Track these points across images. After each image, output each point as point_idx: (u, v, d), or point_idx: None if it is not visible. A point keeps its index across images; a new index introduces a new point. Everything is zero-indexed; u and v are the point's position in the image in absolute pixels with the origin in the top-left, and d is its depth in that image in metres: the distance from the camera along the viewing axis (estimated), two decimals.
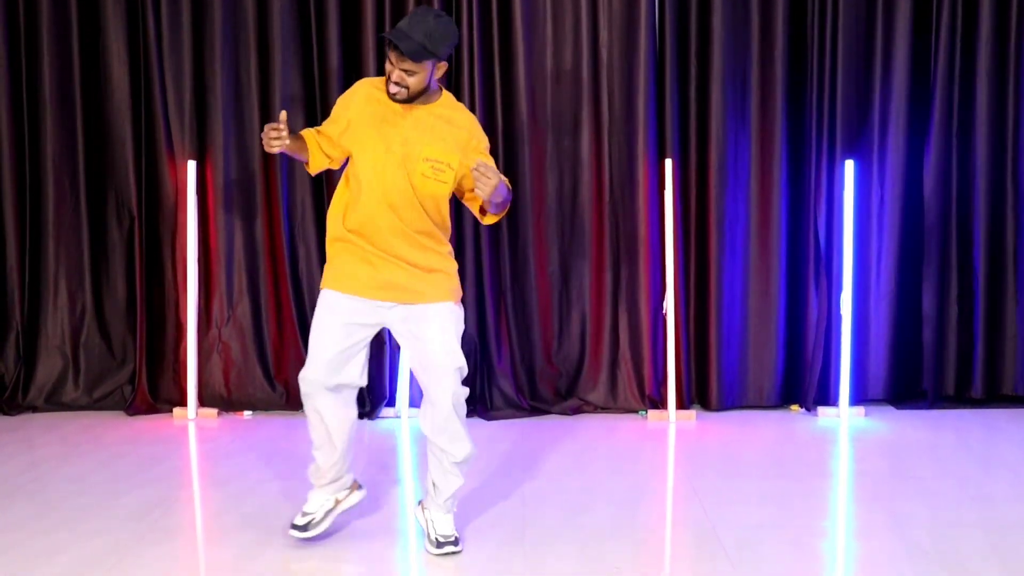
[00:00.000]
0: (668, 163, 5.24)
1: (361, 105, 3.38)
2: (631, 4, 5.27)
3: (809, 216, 5.36)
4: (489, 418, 5.30)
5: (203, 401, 5.45)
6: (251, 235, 5.46)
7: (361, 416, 5.31)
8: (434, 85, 3.35)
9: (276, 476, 4.34)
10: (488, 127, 5.28)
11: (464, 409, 3.40)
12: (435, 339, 3.34)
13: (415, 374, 3.47)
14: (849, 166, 5.25)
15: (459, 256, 5.23)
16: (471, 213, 5.20)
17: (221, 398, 5.49)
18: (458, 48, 5.26)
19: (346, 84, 5.25)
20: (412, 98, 3.29)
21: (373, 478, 4.27)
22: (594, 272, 5.44)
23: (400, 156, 3.31)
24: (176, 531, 3.72)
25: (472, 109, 5.25)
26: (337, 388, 3.39)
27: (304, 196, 5.42)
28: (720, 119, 5.29)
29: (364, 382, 3.46)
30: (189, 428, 5.21)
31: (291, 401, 5.49)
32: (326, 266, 3.49)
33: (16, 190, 5.43)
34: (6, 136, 5.39)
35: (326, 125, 3.43)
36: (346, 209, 3.39)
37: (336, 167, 3.48)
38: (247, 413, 5.45)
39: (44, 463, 4.53)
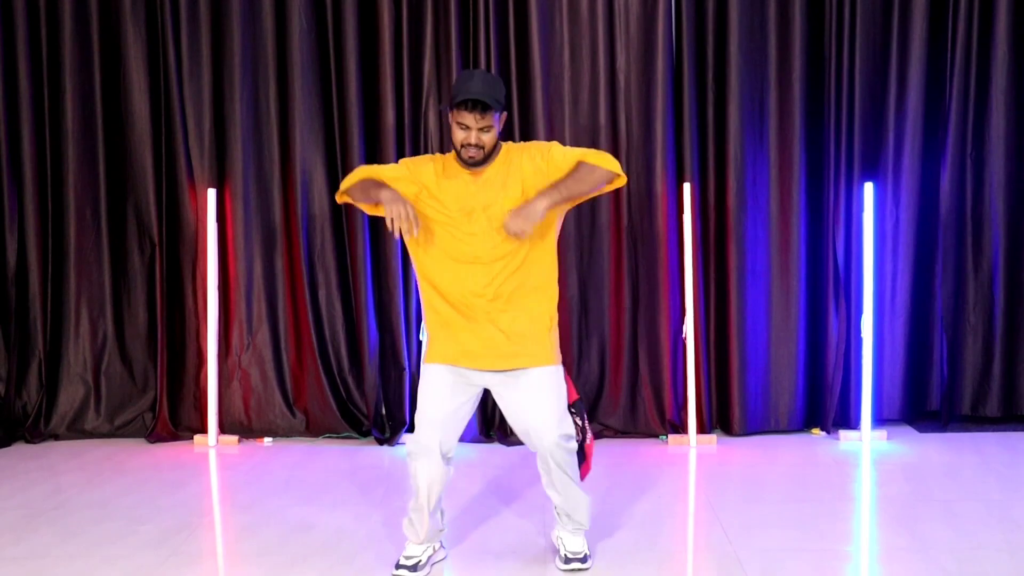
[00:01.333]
0: (687, 187, 5.24)
1: (433, 176, 3.39)
2: (648, 28, 5.30)
3: (828, 238, 5.36)
4: (508, 443, 5.29)
5: (223, 428, 5.46)
6: (270, 263, 5.49)
7: (380, 443, 5.34)
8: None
9: (297, 502, 4.34)
10: None
11: (572, 467, 3.42)
12: (533, 405, 3.36)
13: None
14: (868, 188, 5.24)
15: None
16: None
17: (241, 425, 5.51)
18: None
19: (366, 111, 5.34)
20: (488, 156, 3.33)
21: (391, 505, 4.27)
22: (613, 296, 5.43)
23: (486, 220, 3.33)
24: (198, 557, 3.72)
25: None
26: (441, 451, 3.38)
27: (324, 223, 5.44)
28: (738, 142, 5.30)
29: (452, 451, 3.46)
30: (210, 455, 5.22)
31: (311, 428, 5.51)
32: (428, 340, 3.48)
33: (39, 219, 5.49)
34: (29, 165, 5.45)
35: (392, 181, 3.36)
36: (434, 282, 3.40)
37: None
38: (267, 440, 5.46)
39: (67, 490, 4.55)
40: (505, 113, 3.41)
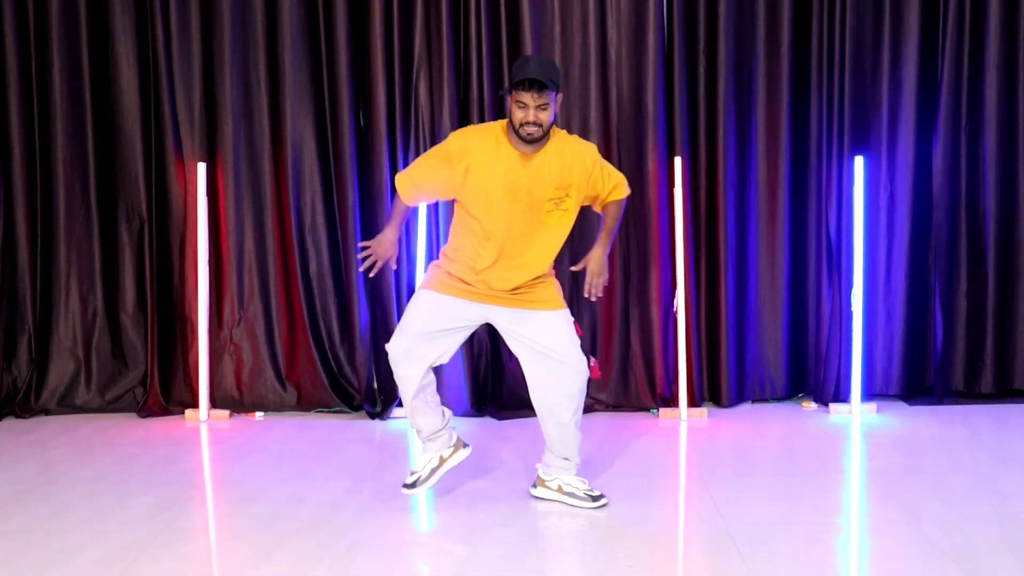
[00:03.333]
0: (678, 161, 5.24)
1: (481, 156, 3.66)
2: (639, 3, 5.27)
3: (818, 212, 5.38)
4: (500, 417, 5.30)
5: (215, 403, 5.46)
6: (261, 237, 5.47)
7: (372, 416, 5.34)
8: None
9: (288, 477, 4.35)
10: None
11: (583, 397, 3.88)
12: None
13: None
14: (859, 162, 5.23)
15: None
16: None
17: (233, 399, 5.50)
18: (466, 48, 5.27)
19: (356, 85, 5.31)
20: (545, 134, 3.62)
21: (383, 479, 4.27)
22: None
23: (527, 204, 3.67)
24: (190, 532, 3.72)
25: (481, 109, 5.26)
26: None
27: (314, 198, 5.42)
28: (730, 117, 5.28)
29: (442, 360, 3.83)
30: (201, 430, 5.22)
31: (302, 402, 5.51)
32: (439, 271, 3.81)
33: (27, 194, 5.45)
34: (17, 140, 5.41)
35: (431, 167, 3.72)
36: (470, 248, 3.74)
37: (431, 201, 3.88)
38: (259, 414, 5.46)
39: (58, 465, 4.55)
40: (561, 95, 3.66)
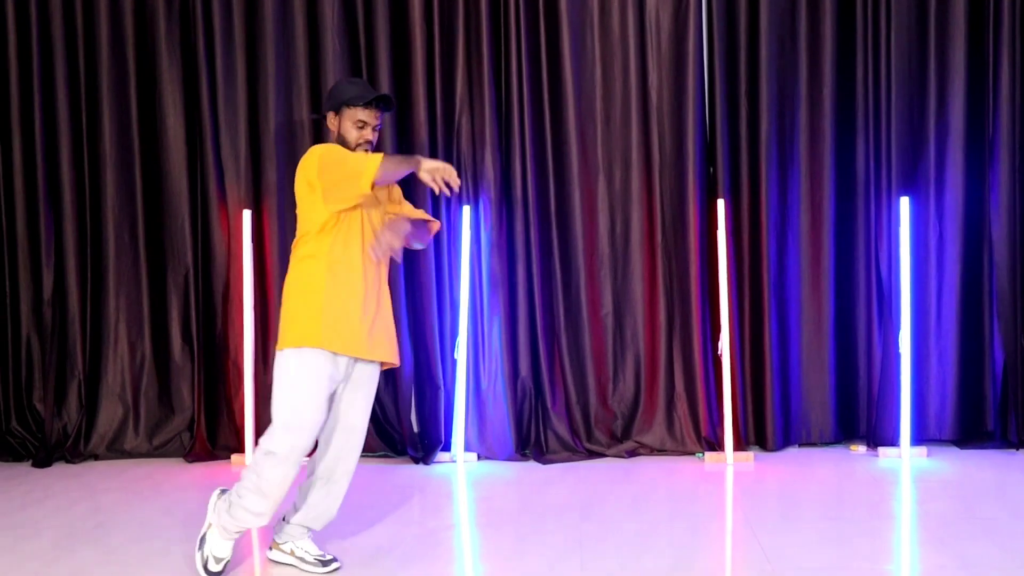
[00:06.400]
0: (720, 203, 5.22)
1: None
2: (679, 45, 5.30)
3: (866, 254, 5.33)
4: (544, 461, 5.27)
5: None
6: None
7: (416, 461, 5.34)
8: None
9: (332, 521, 4.34)
10: (539, 168, 5.34)
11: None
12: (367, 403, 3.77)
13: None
14: (904, 203, 5.19)
15: (511, 298, 5.30)
16: (524, 256, 5.21)
17: None
18: (508, 90, 5.32)
19: (398, 130, 5.37)
20: None
21: (427, 524, 4.26)
22: (647, 313, 5.41)
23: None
24: None
25: (523, 151, 5.31)
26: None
27: None
28: (771, 158, 5.27)
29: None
30: None
31: None
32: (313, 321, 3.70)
33: (78, 242, 5.55)
34: (68, 188, 5.52)
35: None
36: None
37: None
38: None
39: (107, 510, 4.59)
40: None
